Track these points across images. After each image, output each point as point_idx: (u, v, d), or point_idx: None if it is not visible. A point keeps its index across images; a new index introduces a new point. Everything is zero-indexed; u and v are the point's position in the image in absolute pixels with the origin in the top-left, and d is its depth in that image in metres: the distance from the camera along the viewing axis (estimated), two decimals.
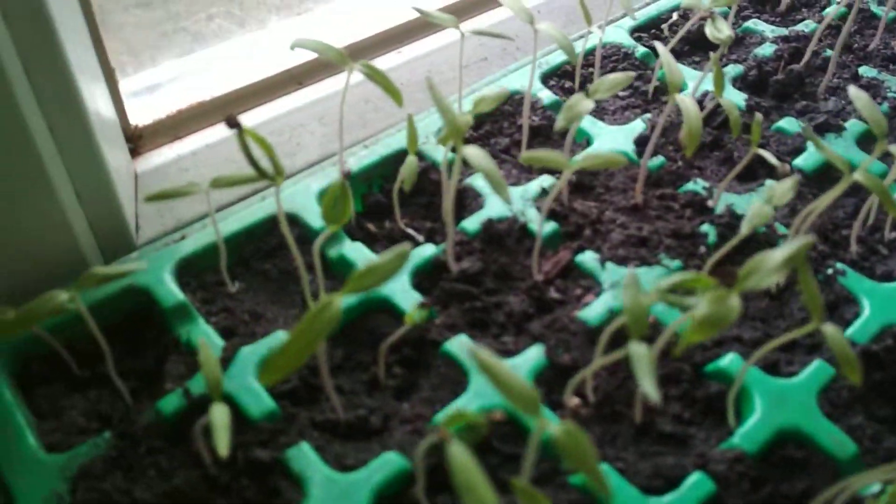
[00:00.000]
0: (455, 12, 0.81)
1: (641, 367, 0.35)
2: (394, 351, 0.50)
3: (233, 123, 0.45)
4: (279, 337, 0.50)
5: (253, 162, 0.46)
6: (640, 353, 0.36)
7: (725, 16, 0.76)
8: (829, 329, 0.39)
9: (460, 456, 0.29)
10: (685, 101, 0.51)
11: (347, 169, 0.46)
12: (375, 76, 0.52)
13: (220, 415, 0.36)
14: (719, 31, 0.59)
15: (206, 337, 0.50)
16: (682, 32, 0.66)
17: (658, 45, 0.55)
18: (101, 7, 0.62)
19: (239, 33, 0.83)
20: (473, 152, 0.46)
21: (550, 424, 0.31)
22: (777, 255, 0.38)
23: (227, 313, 0.53)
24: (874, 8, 0.82)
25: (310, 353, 0.35)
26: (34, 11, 0.46)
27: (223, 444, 0.36)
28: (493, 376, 0.31)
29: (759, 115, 0.54)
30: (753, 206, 0.47)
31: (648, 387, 0.35)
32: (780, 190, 0.47)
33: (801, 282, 0.39)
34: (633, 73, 0.55)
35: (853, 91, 0.47)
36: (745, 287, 0.37)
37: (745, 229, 0.47)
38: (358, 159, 0.64)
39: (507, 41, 0.80)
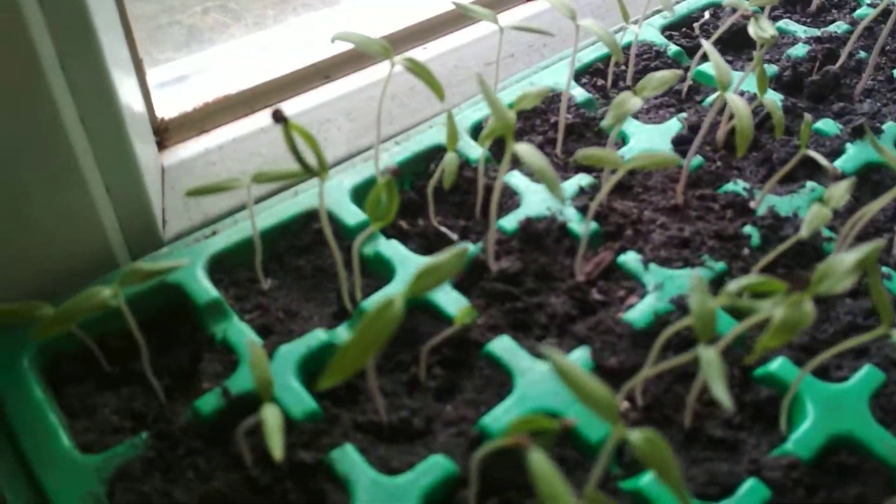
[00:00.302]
0: (485, 6, 0.81)
1: (713, 373, 0.34)
2: (434, 351, 0.49)
3: (279, 118, 0.44)
4: (318, 336, 0.49)
5: (298, 156, 0.44)
6: (711, 358, 0.35)
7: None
8: None
9: (542, 464, 0.27)
10: (736, 100, 0.50)
11: (395, 167, 0.45)
12: (418, 70, 0.51)
13: (272, 416, 0.35)
14: (763, 30, 0.58)
15: (242, 335, 0.49)
16: (720, 31, 0.65)
17: (705, 43, 0.54)
18: None
19: (234, 27, 0.82)
20: (525, 149, 0.45)
21: (631, 431, 0.30)
22: (848, 259, 0.37)
23: (261, 311, 0.52)
24: None
25: (372, 354, 0.33)
26: (70, 2, 0.44)
27: (277, 447, 0.34)
28: (571, 381, 0.30)
29: (808, 116, 0.53)
30: (812, 208, 0.46)
31: (721, 393, 0.34)
32: (838, 192, 0.46)
33: (871, 286, 0.37)
34: (679, 71, 0.54)
35: None
36: (818, 291, 0.36)
37: (805, 232, 0.46)
38: (390, 156, 0.62)
39: (533, 37, 0.79)
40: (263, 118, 0.68)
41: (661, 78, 0.53)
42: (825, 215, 0.45)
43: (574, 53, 0.63)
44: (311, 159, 0.45)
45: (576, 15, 0.59)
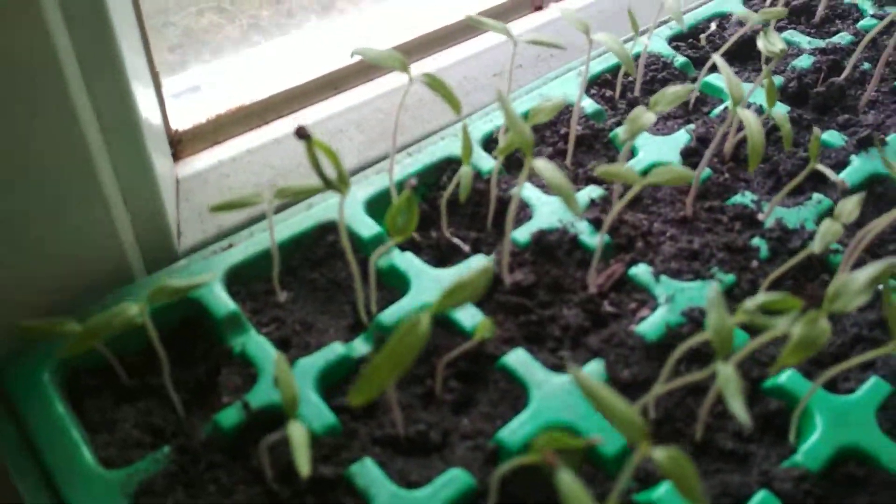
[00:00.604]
0: (493, 16, 0.81)
1: (731, 390, 0.35)
2: (449, 364, 0.49)
3: (302, 134, 0.44)
4: (335, 349, 0.49)
5: (321, 172, 0.45)
6: (729, 375, 0.35)
7: (766, 25, 0.76)
8: None
9: (571, 483, 0.28)
10: (748, 115, 0.51)
11: (413, 180, 0.45)
12: (435, 84, 0.52)
13: (299, 433, 0.36)
14: (773, 43, 0.59)
15: (260, 348, 0.49)
16: (729, 44, 0.66)
17: (716, 56, 0.55)
18: None
19: (229, 28, 0.83)
20: (543, 165, 0.45)
21: (655, 450, 0.31)
22: (862, 277, 0.38)
23: (278, 324, 0.52)
24: None
25: (399, 372, 0.34)
26: (95, 15, 0.45)
27: (305, 464, 0.35)
28: (598, 401, 0.31)
29: (816, 130, 0.54)
30: (823, 223, 0.47)
31: (739, 410, 0.34)
32: (848, 207, 0.47)
33: (885, 303, 0.38)
34: (691, 86, 0.55)
35: None
36: (833, 309, 0.37)
37: (817, 248, 0.47)
38: (402, 168, 0.63)
39: (541, 47, 0.79)
40: (276, 129, 0.68)
41: (675, 93, 0.53)
42: (837, 230, 0.46)
43: (587, 66, 0.63)
44: (330, 173, 0.46)
45: (589, 28, 0.60)
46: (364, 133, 0.70)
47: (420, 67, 0.78)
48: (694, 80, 0.73)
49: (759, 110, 0.69)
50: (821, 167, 0.52)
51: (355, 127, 0.70)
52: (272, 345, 0.50)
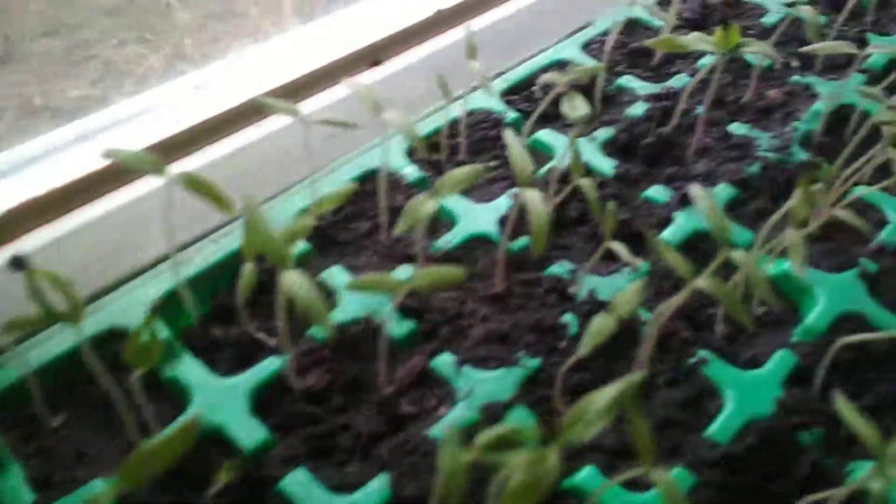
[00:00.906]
0: (295, 90, 0.78)
1: None
2: (224, 491, 0.46)
3: (18, 264, 0.40)
4: (96, 487, 0.45)
5: (44, 305, 0.41)
6: None
7: (596, 75, 0.74)
8: (660, 476, 0.36)
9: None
10: (532, 199, 0.48)
11: (155, 303, 0.42)
12: (195, 186, 0.48)
13: None
14: (575, 108, 0.57)
15: (14, 492, 0.45)
16: (544, 104, 0.64)
17: (508, 134, 0.52)
18: (6, 37, 0.58)
19: (152, 58, 0.80)
20: (294, 281, 0.42)
21: None
22: (602, 398, 0.35)
23: (44, 456, 0.48)
24: (749, 56, 0.81)
25: None
26: None
27: None
28: None
29: (610, 205, 0.52)
30: (594, 323, 0.45)
31: None
32: (623, 300, 0.44)
33: (630, 423, 0.36)
34: (480, 167, 0.52)
35: (694, 191, 0.45)
36: (569, 439, 0.34)
37: (583, 350, 0.44)
38: (205, 256, 0.59)
39: (364, 108, 0.76)
40: (73, 220, 0.64)
41: (459, 177, 0.51)
42: (608, 326, 0.44)
43: (383, 144, 0.61)
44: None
45: (380, 109, 0.57)
46: (173, 217, 0.66)
47: (231, 143, 0.74)
48: (529, 134, 0.71)
49: (588, 167, 0.67)
50: (613, 246, 0.50)
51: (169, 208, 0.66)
52: (31, 485, 0.46)
